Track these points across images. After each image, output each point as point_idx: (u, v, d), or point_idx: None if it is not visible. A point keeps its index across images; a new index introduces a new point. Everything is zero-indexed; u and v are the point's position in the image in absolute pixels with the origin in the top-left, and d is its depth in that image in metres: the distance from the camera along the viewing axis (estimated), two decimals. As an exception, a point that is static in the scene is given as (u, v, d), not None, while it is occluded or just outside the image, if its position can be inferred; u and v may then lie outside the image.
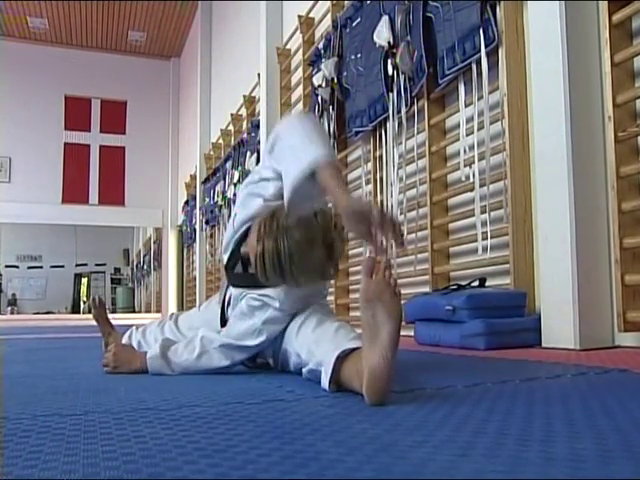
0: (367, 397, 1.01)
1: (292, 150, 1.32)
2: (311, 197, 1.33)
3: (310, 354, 1.32)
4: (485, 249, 2.65)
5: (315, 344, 1.32)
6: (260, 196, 1.47)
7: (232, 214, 1.65)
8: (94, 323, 2.24)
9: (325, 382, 1.17)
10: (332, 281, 4.14)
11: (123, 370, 1.60)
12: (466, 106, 2.86)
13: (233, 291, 1.64)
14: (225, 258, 1.63)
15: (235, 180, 6.54)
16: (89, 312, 2.38)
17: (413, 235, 3.26)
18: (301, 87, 5.02)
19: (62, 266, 12.96)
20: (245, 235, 1.49)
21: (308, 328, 1.40)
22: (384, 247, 1.17)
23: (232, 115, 7.40)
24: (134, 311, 12.92)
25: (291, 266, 1.29)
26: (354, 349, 1.16)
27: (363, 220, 1.16)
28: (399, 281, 3.61)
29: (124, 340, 1.98)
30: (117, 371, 1.60)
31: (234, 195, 6.53)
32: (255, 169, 1.58)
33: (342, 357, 1.16)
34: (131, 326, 2.01)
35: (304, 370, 1.33)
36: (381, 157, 3.64)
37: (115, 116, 11.40)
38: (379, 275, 1.07)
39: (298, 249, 1.28)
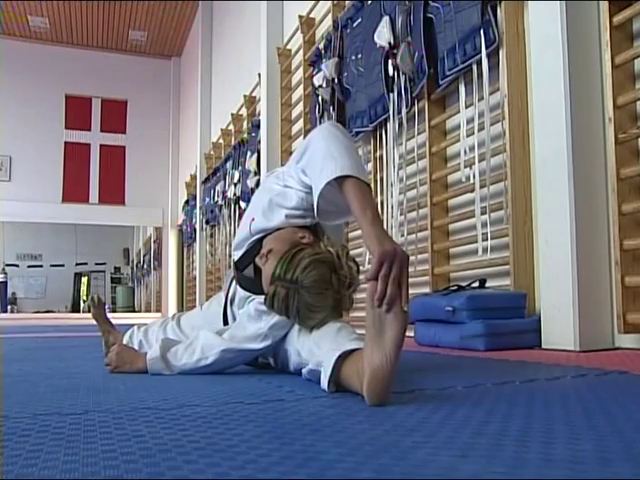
0: (367, 397, 1.01)
1: (319, 158, 1.30)
2: (341, 208, 1.32)
3: (310, 354, 1.32)
4: (485, 250, 2.65)
5: (316, 344, 1.32)
6: (283, 207, 1.48)
7: (247, 211, 1.65)
8: (94, 322, 2.24)
9: (324, 382, 1.17)
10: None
11: (125, 370, 1.60)
12: (467, 107, 2.86)
13: (240, 291, 1.64)
14: (236, 256, 1.63)
15: (235, 180, 6.54)
16: (89, 311, 2.37)
17: (413, 236, 3.26)
18: (302, 87, 5.02)
19: (62, 265, 12.97)
20: (261, 240, 1.51)
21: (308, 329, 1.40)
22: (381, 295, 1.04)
23: (232, 115, 7.41)
24: (134, 310, 12.92)
25: (297, 316, 1.37)
26: (355, 350, 1.16)
27: (388, 261, 1.06)
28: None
29: (125, 340, 1.98)
30: (119, 371, 1.61)
31: (234, 195, 6.54)
32: (277, 173, 1.57)
33: (342, 357, 1.16)
34: (131, 325, 2.01)
35: (304, 370, 1.33)
36: (381, 158, 3.64)
37: (115, 115, 11.42)
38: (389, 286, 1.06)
39: (306, 308, 1.35)
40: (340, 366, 1.15)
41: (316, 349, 1.30)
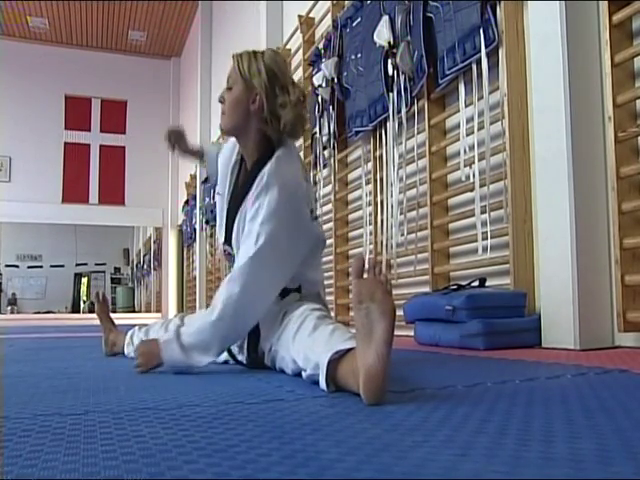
0: (364, 396, 1.01)
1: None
2: None
3: (307, 360, 1.30)
4: (485, 249, 2.65)
5: (310, 349, 1.30)
6: None
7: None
8: (94, 323, 2.25)
9: (322, 383, 1.17)
10: (331, 280, 4.14)
11: (155, 363, 1.55)
12: (466, 106, 2.86)
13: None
14: (222, 238, 1.69)
15: (235, 180, 6.53)
16: (89, 312, 2.39)
17: (413, 235, 3.26)
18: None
19: (62, 266, 12.97)
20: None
21: (304, 334, 1.39)
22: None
23: (232, 115, 7.39)
24: (134, 311, 12.92)
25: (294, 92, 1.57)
26: (350, 349, 1.15)
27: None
28: (399, 281, 3.58)
29: (126, 339, 2.00)
30: (150, 367, 1.56)
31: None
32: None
33: (337, 358, 1.16)
34: (131, 326, 2.01)
35: (304, 375, 1.32)
36: (381, 157, 3.64)
37: (115, 116, 11.41)
38: (370, 274, 1.07)
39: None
40: (336, 366, 1.15)
41: (311, 354, 1.28)
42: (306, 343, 1.35)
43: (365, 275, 1.07)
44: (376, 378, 1.00)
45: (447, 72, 2.88)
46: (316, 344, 1.30)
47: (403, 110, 3.27)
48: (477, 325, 2.27)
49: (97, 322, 2.30)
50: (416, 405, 1.01)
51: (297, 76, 5.26)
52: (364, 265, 1.07)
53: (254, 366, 1.65)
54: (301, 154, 4.99)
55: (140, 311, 12.91)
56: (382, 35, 3.33)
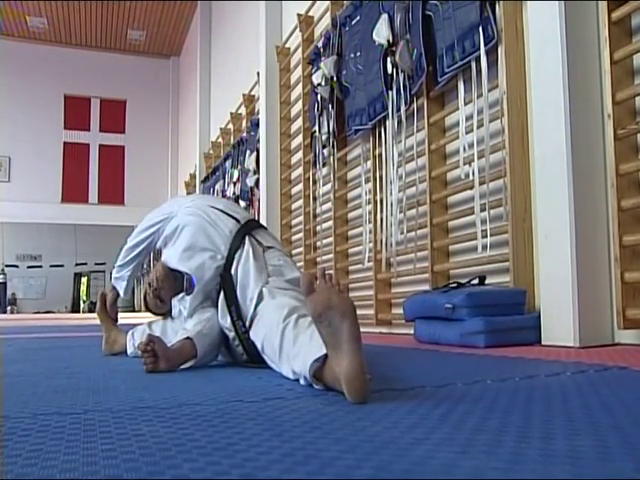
0: (350, 399, 1.02)
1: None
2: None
3: (296, 375, 1.29)
4: (485, 247, 2.65)
5: (295, 360, 1.29)
6: None
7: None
8: (94, 322, 2.25)
9: (318, 388, 1.18)
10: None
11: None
12: (465, 104, 2.85)
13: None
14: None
15: (235, 179, 6.54)
16: (89, 311, 2.39)
17: (413, 233, 3.26)
18: (300, 85, 5.02)
19: (62, 265, 12.96)
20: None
21: (288, 346, 1.36)
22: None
23: (232, 114, 7.40)
24: (134, 310, 12.91)
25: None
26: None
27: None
28: (399, 279, 3.57)
29: (128, 337, 2.01)
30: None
31: (234, 194, 6.54)
32: None
33: (320, 365, 1.15)
34: (131, 325, 2.01)
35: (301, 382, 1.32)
36: (381, 155, 3.63)
37: (115, 115, 11.42)
38: (319, 284, 1.08)
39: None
40: (321, 373, 1.15)
41: (296, 367, 1.28)
42: (291, 355, 1.33)
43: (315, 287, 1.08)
44: (356, 377, 1.00)
45: (446, 70, 2.88)
46: (300, 355, 1.27)
47: (402, 108, 3.27)
48: (477, 323, 2.27)
49: (97, 322, 2.30)
50: (416, 403, 1.01)
51: (296, 75, 5.26)
52: (312, 279, 1.09)
53: (255, 360, 1.64)
54: (300, 153, 5.00)
55: (140, 311, 12.89)
56: (381, 33, 3.33)
